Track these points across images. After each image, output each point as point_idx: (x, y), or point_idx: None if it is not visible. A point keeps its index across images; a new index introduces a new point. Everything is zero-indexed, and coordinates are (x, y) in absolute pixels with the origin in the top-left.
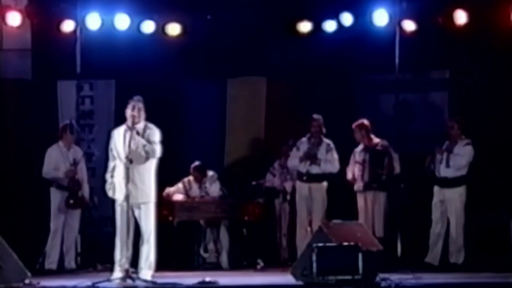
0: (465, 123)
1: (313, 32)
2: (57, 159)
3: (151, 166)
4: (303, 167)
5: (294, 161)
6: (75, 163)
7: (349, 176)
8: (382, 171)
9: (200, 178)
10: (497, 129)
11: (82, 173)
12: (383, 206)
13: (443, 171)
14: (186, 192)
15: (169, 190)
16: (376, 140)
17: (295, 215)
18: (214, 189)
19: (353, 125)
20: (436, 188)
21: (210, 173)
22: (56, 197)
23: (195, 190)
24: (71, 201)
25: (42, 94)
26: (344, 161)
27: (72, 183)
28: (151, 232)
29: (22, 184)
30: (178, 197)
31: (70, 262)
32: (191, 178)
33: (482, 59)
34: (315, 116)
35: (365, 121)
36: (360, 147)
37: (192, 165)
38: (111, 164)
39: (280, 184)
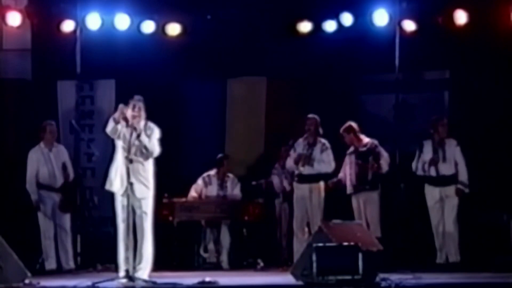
0: (451, 123)
1: (313, 32)
2: (38, 162)
3: (150, 163)
4: (297, 168)
5: (289, 161)
6: (64, 167)
7: (341, 179)
8: (366, 171)
9: (225, 170)
10: (497, 129)
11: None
12: (377, 206)
13: (443, 170)
14: (206, 186)
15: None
16: (366, 140)
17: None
18: (236, 192)
19: (341, 130)
20: (434, 188)
21: (231, 176)
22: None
23: (213, 186)
24: (63, 204)
25: (42, 94)
26: (342, 163)
27: (65, 187)
28: (149, 230)
29: (22, 184)
30: (192, 194)
31: (68, 262)
32: (211, 172)
33: (482, 59)
34: (310, 115)
35: (352, 123)
36: (351, 149)
37: (219, 156)
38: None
39: (280, 184)
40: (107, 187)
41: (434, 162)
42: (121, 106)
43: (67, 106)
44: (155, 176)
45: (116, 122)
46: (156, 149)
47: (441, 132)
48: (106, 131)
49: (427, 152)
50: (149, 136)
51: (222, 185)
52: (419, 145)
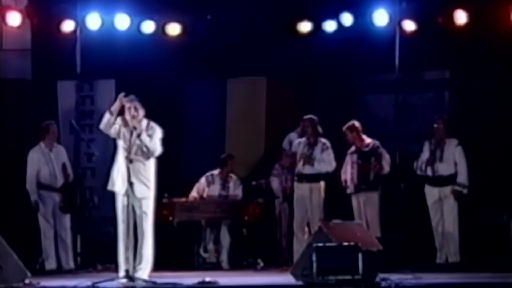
0: (450, 123)
1: (313, 32)
2: (39, 162)
3: (151, 163)
4: (298, 168)
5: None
6: (64, 168)
7: (343, 178)
8: (368, 171)
9: (228, 170)
10: (497, 129)
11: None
12: (377, 206)
13: (441, 170)
14: (208, 185)
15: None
16: (368, 140)
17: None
18: (237, 193)
19: (344, 128)
20: (433, 188)
21: (234, 176)
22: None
23: (216, 186)
24: (64, 205)
25: (42, 94)
26: (342, 162)
27: (65, 187)
28: (149, 230)
29: (22, 184)
30: (193, 193)
31: (68, 262)
32: (215, 172)
33: (482, 59)
34: (305, 117)
35: (356, 123)
36: (352, 148)
37: (223, 156)
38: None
39: (279, 185)
40: (109, 187)
41: (429, 162)
42: (120, 96)
43: (67, 106)
44: (155, 176)
45: (111, 113)
46: (157, 149)
47: (438, 132)
48: (100, 127)
49: (425, 152)
50: (150, 136)
51: (224, 185)
52: (420, 145)
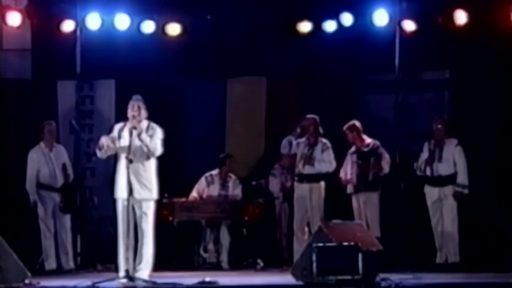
0: (450, 123)
1: (313, 32)
2: (39, 161)
3: (152, 164)
4: (298, 168)
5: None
6: (64, 168)
7: (342, 178)
8: (367, 172)
9: (227, 170)
10: (497, 128)
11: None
12: (376, 206)
13: (440, 170)
14: (208, 185)
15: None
16: (368, 140)
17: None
18: (237, 192)
19: (344, 128)
20: (433, 188)
21: (233, 176)
22: (42, 200)
23: (215, 186)
24: (64, 205)
25: (42, 94)
26: (342, 162)
27: (65, 187)
28: (150, 230)
29: (22, 184)
30: (194, 194)
31: (68, 262)
32: (213, 172)
33: (482, 59)
34: (308, 116)
35: (356, 123)
36: (353, 148)
37: (222, 155)
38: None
39: (279, 185)
40: (116, 196)
41: (428, 162)
42: (104, 139)
43: (67, 106)
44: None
45: (100, 148)
46: (158, 149)
47: (438, 132)
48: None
49: (425, 152)
50: (151, 136)
51: (224, 185)
52: (420, 145)
